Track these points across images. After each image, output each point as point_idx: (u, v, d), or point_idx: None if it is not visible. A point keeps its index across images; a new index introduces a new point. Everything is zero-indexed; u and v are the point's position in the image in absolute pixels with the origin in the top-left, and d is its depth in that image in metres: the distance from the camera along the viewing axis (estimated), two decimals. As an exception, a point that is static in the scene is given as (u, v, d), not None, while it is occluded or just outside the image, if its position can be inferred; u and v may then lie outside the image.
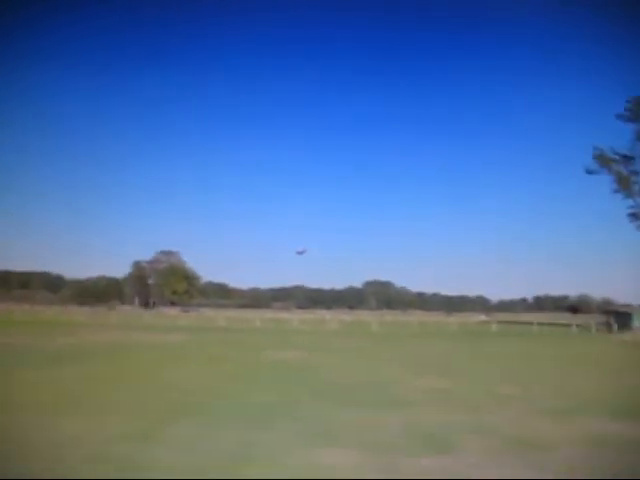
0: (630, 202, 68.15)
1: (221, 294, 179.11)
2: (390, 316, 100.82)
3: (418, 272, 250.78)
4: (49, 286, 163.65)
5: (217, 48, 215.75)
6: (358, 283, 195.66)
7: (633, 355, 29.95)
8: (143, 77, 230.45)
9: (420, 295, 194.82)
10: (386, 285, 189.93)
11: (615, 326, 57.29)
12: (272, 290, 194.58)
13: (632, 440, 9.37)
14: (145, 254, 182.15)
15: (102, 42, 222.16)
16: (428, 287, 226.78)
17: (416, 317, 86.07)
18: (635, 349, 34.72)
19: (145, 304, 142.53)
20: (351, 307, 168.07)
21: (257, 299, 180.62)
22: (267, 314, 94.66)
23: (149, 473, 7.05)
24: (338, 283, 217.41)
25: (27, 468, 7.10)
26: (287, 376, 17.58)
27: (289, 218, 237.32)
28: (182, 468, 7.27)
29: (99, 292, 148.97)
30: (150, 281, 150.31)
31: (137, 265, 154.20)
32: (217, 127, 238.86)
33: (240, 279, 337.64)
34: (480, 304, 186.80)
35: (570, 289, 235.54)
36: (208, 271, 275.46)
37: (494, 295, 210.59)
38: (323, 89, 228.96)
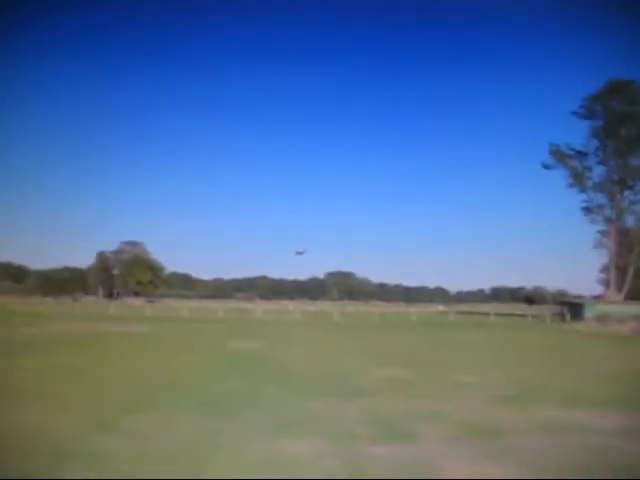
0: (584, 197, 70.13)
1: (185, 285, 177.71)
2: (352, 307, 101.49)
3: (379, 264, 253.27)
4: (12, 277, 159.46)
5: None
6: (320, 274, 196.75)
7: (585, 344, 30.82)
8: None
9: (381, 286, 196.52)
10: (348, 276, 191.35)
11: (568, 316, 58.89)
12: (235, 281, 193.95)
13: (583, 426, 9.70)
14: (109, 245, 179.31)
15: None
16: (389, 278, 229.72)
17: (377, 308, 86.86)
18: (586, 338, 35.75)
19: (109, 294, 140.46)
20: (313, 298, 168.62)
21: (220, 290, 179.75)
22: (230, 304, 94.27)
23: (110, 463, 7.02)
24: (301, 274, 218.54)
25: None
26: (250, 366, 17.57)
27: (253, 209, 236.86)
28: (145, 457, 7.24)
29: (63, 283, 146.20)
30: (114, 271, 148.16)
31: (101, 255, 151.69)
32: (177, 114, 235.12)
33: (204, 270, 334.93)
34: (439, 295, 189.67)
35: (526, 281, 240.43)
36: (172, 262, 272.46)
37: (453, 286, 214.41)
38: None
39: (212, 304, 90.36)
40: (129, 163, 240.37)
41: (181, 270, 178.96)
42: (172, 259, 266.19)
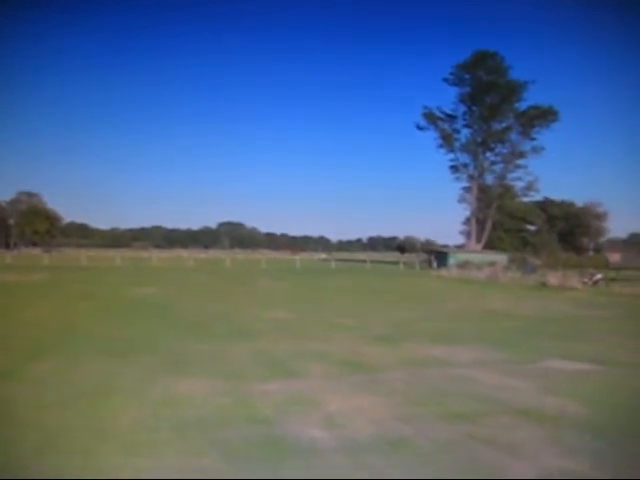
0: (451, 156, 73.80)
1: (82, 234, 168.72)
2: (242, 255, 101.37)
3: (268, 214, 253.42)
4: None
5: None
6: (213, 224, 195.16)
7: (448, 288, 33.01)
8: None
9: (269, 235, 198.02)
10: (238, 226, 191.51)
11: (435, 263, 62.38)
12: (132, 230, 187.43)
13: (444, 360, 10.58)
14: (5, 195, 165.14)
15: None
16: (276, 228, 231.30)
17: (265, 255, 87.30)
18: (449, 283, 38.29)
19: (6, 244, 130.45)
20: (206, 246, 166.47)
21: (117, 239, 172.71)
22: (127, 253, 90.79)
23: (10, 408, 6.82)
24: (194, 224, 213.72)
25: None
26: (147, 311, 17.37)
27: (146, 158, 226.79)
28: (44, 403, 7.08)
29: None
30: (11, 221, 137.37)
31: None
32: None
33: (100, 220, 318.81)
34: (322, 243, 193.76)
35: (399, 231, 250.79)
36: (69, 212, 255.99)
37: (334, 235, 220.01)
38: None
39: (110, 253, 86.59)
40: (18, 113, 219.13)
41: (78, 220, 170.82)
42: (69, 209, 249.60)
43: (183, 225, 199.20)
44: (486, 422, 6.62)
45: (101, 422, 6.40)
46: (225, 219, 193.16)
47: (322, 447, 5.69)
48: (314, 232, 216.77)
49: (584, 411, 7.13)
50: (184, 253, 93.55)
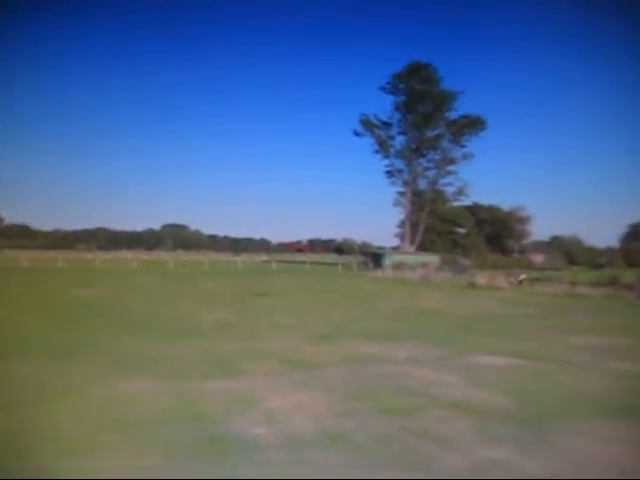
0: (387, 162, 75.13)
1: (23, 235, 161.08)
2: (185, 256, 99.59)
3: (210, 216, 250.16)
4: None
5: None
6: (156, 226, 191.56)
7: (384, 288, 33.50)
8: None
9: (212, 237, 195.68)
10: (182, 228, 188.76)
11: (371, 265, 63.21)
12: (75, 232, 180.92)
13: (380, 357, 10.74)
14: None
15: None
16: (219, 230, 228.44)
17: (208, 257, 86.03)
18: (385, 283, 38.90)
19: None
20: (149, 248, 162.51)
21: (60, 240, 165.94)
22: (70, 255, 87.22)
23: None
24: (138, 225, 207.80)
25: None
26: (91, 312, 16.87)
27: (89, 159, 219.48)
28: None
29: None
30: None
31: None
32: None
33: (43, 221, 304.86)
34: (263, 245, 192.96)
35: (337, 233, 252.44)
36: (10, 213, 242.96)
37: (274, 237, 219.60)
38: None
39: (52, 254, 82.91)
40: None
41: (19, 221, 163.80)
42: (10, 210, 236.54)
43: (127, 227, 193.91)
44: (420, 416, 6.76)
45: (42, 424, 6.17)
46: (169, 221, 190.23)
47: (264, 443, 5.68)
48: (256, 234, 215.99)
49: (510, 403, 7.40)
50: (128, 254, 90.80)
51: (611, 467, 5.23)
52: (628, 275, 34.61)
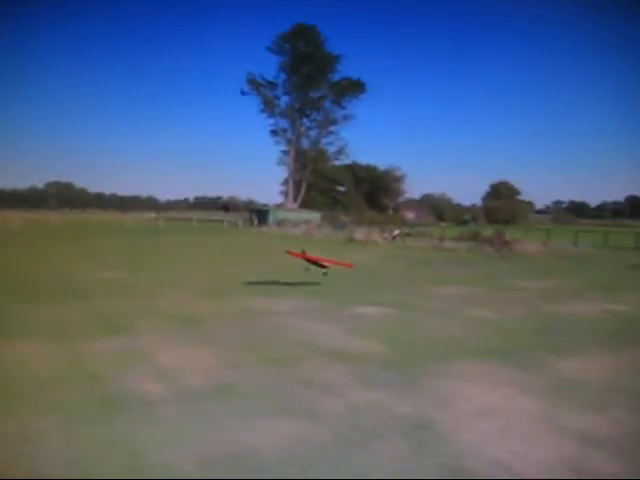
0: (272, 121, 74.44)
1: None
2: (71, 215, 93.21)
3: (96, 173, 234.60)
4: None
5: None
6: (40, 183, 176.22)
7: (268, 243, 33.61)
8: None
9: (98, 195, 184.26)
10: (67, 186, 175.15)
11: (256, 221, 63.22)
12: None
13: (265, 310, 10.88)
14: None
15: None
16: (105, 188, 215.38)
17: (95, 216, 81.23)
18: (269, 238, 39.07)
19: None
20: (34, 207, 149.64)
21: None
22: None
23: None
24: (20, 183, 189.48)
25: None
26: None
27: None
28: None
29: None
30: None
31: None
32: None
33: None
34: (150, 203, 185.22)
35: (223, 191, 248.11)
36: None
37: (162, 195, 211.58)
38: None
39: None
40: None
41: None
42: None
43: (9, 185, 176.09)
44: (302, 365, 7.01)
45: None
46: (53, 179, 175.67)
47: (155, 399, 5.63)
48: (143, 192, 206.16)
49: (384, 350, 7.87)
50: (10, 214, 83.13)
51: (471, 401, 5.78)
52: (488, 231, 37.53)
